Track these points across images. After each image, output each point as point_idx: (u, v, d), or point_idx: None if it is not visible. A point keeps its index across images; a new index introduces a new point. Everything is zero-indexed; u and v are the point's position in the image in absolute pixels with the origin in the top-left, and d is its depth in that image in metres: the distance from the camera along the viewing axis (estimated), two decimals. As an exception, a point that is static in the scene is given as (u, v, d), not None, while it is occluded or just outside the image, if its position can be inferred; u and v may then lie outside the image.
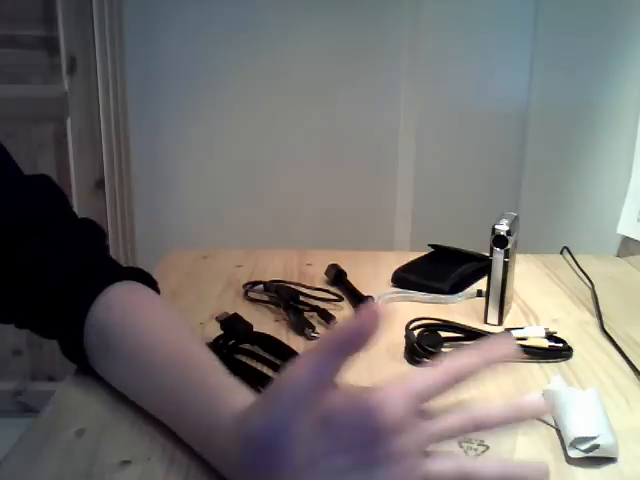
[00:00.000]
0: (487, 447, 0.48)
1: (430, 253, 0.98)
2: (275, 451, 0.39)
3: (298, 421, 0.39)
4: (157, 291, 0.64)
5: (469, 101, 1.71)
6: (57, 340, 0.60)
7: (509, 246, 0.74)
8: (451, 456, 0.40)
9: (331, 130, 1.74)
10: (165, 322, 0.57)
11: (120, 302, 0.58)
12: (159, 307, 0.59)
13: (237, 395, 0.46)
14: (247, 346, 0.67)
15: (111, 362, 0.57)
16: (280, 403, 0.39)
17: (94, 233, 0.64)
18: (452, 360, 0.40)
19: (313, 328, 0.72)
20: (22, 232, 0.58)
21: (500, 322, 0.77)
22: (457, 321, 0.73)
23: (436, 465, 0.39)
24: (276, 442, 0.39)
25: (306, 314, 0.76)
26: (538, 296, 0.86)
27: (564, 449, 0.51)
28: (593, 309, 0.82)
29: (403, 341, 0.69)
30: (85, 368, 0.59)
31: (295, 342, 0.70)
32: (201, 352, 0.53)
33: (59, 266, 0.58)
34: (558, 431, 0.54)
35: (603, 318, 0.78)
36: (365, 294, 0.82)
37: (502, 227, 0.74)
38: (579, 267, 0.96)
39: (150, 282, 0.63)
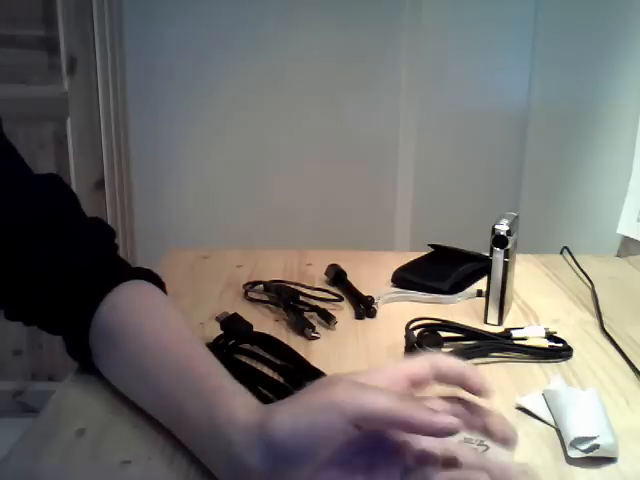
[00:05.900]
0: (487, 447, 0.48)
1: (430, 253, 0.98)
2: (299, 459, 0.40)
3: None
4: (164, 291, 0.64)
5: (469, 101, 1.71)
6: (63, 338, 0.60)
7: (509, 246, 0.74)
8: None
9: (331, 130, 1.74)
10: (167, 322, 0.57)
11: (124, 302, 0.58)
12: (163, 307, 0.59)
13: (237, 399, 0.46)
14: (247, 346, 0.67)
15: (112, 362, 0.57)
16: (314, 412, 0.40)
17: (103, 233, 0.64)
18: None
19: (313, 328, 0.72)
20: (32, 232, 0.58)
21: (500, 322, 0.76)
22: (457, 321, 0.73)
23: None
24: (302, 451, 0.40)
25: (306, 314, 0.76)
26: (538, 296, 0.86)
27: (564, 449, 0.51)
28: (593, 309, 0.82)
29: (403, 341, 0.69)
30: (88, 367, 0.59)
31: (295, 342, 0.70)
32: (202, 354, 0.53)
33: (68, 266, 0.58)
34: (558, 431, 0.54)
35: (603, 318, 0.78)
36: (365, 294, 0.82)
37: (502, 227, 0.74)
38: (579, 267, 0.96)
39: (158, 282, 0.63)
